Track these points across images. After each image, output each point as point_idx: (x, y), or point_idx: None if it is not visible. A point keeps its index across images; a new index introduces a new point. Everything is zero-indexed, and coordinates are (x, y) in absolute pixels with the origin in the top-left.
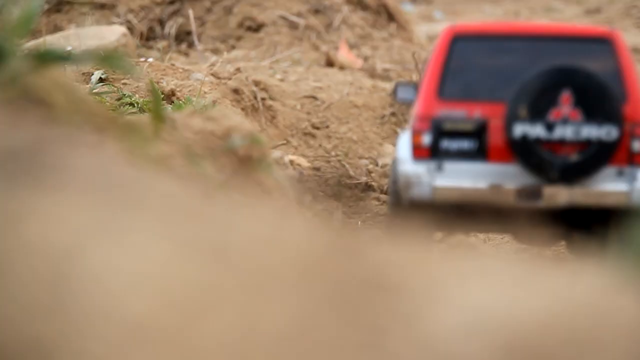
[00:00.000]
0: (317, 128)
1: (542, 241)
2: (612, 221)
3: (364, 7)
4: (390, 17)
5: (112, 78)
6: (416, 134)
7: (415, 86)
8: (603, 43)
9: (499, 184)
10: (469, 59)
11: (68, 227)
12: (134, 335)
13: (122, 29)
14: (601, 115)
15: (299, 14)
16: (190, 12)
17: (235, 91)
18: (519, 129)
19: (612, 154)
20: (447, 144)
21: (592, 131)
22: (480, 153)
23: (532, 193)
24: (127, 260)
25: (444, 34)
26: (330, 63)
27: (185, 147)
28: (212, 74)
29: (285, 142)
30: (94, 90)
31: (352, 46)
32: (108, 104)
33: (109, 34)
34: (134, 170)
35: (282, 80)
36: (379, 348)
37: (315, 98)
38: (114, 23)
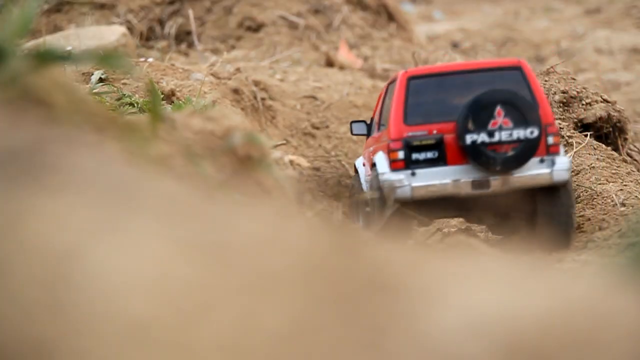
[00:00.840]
0: (317, 128)
1: (490, 221)
2: (541, 201)
3: (364, 7)
4: (390, 17)
5: (112, 78)
6: (392, 152)
7: (365, 123)
8: (516, 70)
9: (458, 179)
10: (422, 93)
11: (68, 227)
12: (134, 335)
13: (122, 29)
14: (525, 121)
15: (299, 14)
16: (190, 12)
17: (235, 91)
18: (469, 138)
19: (536, 147)
20: (416, 156)
21: (520, 133)
22: (441, 159)
23: (482, 183)
24: (127, 260)
25: (401, 78)
26: (330, 63)
27: (185, 147)
28: (212, 74)
29: (285, 142)
30: (94, 90)
31: (352, 46)
32: (108, 104)
33: (108, 34)
34: (134, 170)
35: (282, 80)
36: (379, 348)
37: (315, 98)
38: (114, 23)
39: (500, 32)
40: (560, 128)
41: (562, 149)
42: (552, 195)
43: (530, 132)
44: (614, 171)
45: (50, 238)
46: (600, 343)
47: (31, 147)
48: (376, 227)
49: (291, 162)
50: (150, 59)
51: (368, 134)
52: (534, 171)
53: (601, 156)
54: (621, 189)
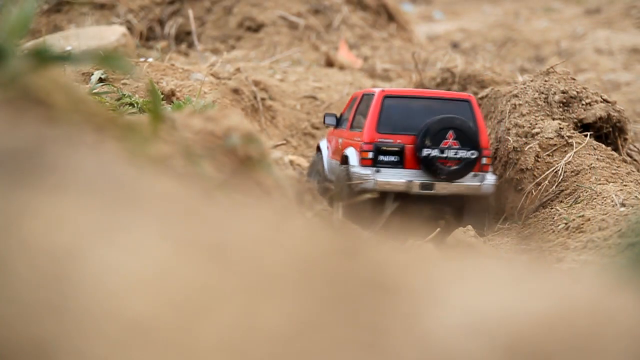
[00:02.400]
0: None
1: (429, 215)
2: (467, 203)
3: (364, 7)
4: (390, 17)
5: (112, 78)
6: (364, 152)
7: (335, 116)
8: (466, 102)
9: (411, 180)
10: (392, 109)
11: (68, 227)
12: (134, 335)
13: (122, 29)
14: (468, 144)
15: (299, 14)
16: (190, 12)
17: (235, 91)
18: (425, 151)
19: (474, 166)
20: (382, 158)
21: (464, 153)
22: (400, 163)
23: (428, 186)
24: (127, 260)
25: (378, 95)
26: (330, 63)
27: (185, 147)
28: (211, 74)
29: (285, 142)
30: (94, 90)
31: (352, 46)
32: (108, 104)
33: (108, 34)
34: (134, 170)
35: (282, 80)
36: (379, 348)
37: (315, 98)
38: (113, 23)
39: (500, 32)
40: (560, 128)
41: (491, 168)
42: (478, 202)
43: (471, 154)
44: (613, 171)
45: (50, 238)
46: (601, 343)
47: (31, 147)
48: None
49: (291, 162)
50: (150, 59)
51: (336, 126)
52: (468, 182)
53: (601, 156)
54: (621, 189)
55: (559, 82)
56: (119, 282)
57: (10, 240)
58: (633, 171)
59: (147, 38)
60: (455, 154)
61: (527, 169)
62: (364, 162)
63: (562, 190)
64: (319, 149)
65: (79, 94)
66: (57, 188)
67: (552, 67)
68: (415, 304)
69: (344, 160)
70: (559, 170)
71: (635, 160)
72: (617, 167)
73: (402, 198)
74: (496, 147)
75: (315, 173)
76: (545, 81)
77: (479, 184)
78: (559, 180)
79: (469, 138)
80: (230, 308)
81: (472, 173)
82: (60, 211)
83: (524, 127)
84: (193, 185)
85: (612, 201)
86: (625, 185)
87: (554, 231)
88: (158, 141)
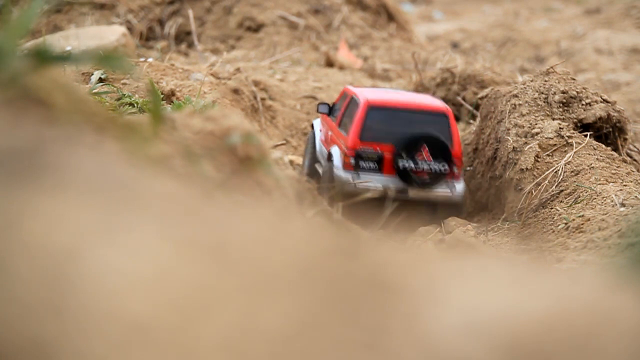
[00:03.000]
0: None
1: (408, 216)
2: (440, 207)
3: (364, 7)
4: (390, 17)
5: (112, 78)
6: (347, 157)
7: (328, 105)
8: (443, 114)
9: (388, 185)
10: (375, 119)
11: (68, 227)
12: (134, 335)
13: (122, 29)
14: (441, 159)
15: (298, 14)
16: (190, 12)
17: (235, 91)
18: (401, 163)
19: (445, 177)
20: (362, 163)
21: (436, 167)
22: (379, 169)
23: (403, 191)
24: (127, 260)
25: (363, 105)
26: (330, 63)
27: (185, 147)
28: (211, 74)
29: (285, 142)
30: (94, 90)
31: (352, 46)
32: (108, 104)
33: (108, 34)
34: (134, 170)
35: (282, 80)
36: (379, 348)
37: (315, 98)
38: (113, 23)
39: (500, 32)
40: (560, 128)
41: (462, 177)
42: (449, 207)
43: (443, 167)
44: (613, 171)
45: (50, 238)
46: (600, 343)
47: (31, 147)
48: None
49: (291, 162)
50: (150, 59)
51: (329, 114)
52: (440, 190)
53: (601, 156)
54: (621, 189)
55: (559, 82)
56: (119, 282)
57: (10, 240)
58: (633, 171)
59: (147, 38)
60: (428, 167)
61: (527, 169)
62: (346, 167)
63: (562, 190)
64: (312, 127)
65: (79, 94)
66: (57, 188)
67: (552, 67)
68: (415, 304)
69: (329, 157)
70: (558, 170)
71: (635, 160)
72: (617, 167)
73: (380, 201)
74: (496, 147)
75: (308, 152)
76: (545, 81)
77: (449, 191)
78: (559, 180)
79: (442, 153)
80: (230, 308)
81: (445, 181)
82: (60, 211)
83: (523, 127)
84: (193, 185)
85: (612, 201)
86: (625, 185)
87: (554, 231)
88: (158, 141)
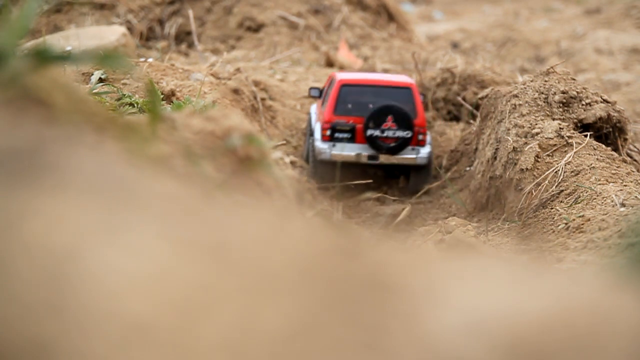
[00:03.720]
0: None
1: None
2: (409, 170)
3: (364, 7)
4: (390, 17)
5: (112, 78)
6: (324, 129)
7: (319, 89)
8: (408, 88)
9: (360, 152)
10: (347, 95)
11: (68, 227)
12: (134, 335)
13: (122, 29)
14: (405, 126)
15: (299, 14)
16: (190, 12)
17: (235, 91)
18: (369, 132)
19: (409, 143)
20: (337, 134)
21: (400, 133)
22: (352, 139)
23: (374, 157)
24: (127, 260)
25: (337, 83)
26: (330, 63)
27: (185, 147)
28: (212, 74)
29: (285, 142)
30: (94, 90)
31: (352, 46)
32: (108, 104)
33: (109, 34)
34: (134, 170)
35: (282, 80)
36: (379, 348)
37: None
38: (114, 23)
39: (500, 32)
40: (560, 128)
41: (428, 141)
42: (417, 170)
43: (406, 134)
44: (614, 171)
45: (50, 238)
46: (601, 342)
47: (31, 147)
48: (309, 175)
49: (292, 162)
50: (150, 59)
51: (319, 97)
52: (406, 155)
53: (601, 156)
54: (621, 189)
55: (559, 82)
56: (119, 282)
57: (10, 240)
58: (633, 171)
59: (147, 38)
60: (393, 134)
61: (527, 169)
62: (324, 139)
63: (562, 191)
64: (309, 114)
65: (79, 94)
66: (57, 188)
67: (552, 67)
68: (415, 304)
69: (312, 132)
70: (559, 170)
71: (635, 160)
72: (617, 167)
73: (354, 166)
74: (496, 147)
75: (308, 134)
76: (545, 81)
77: (415, 156)
78: (559, 180)
79: (404, 121)
80: (230, 308)
81: (410, 147)
82: (60, 211)
83: (524, 127)
84: (193, 186)
85: (612, 201)
86: (625, 185)
87: (554, 231)
88: (158, 141)
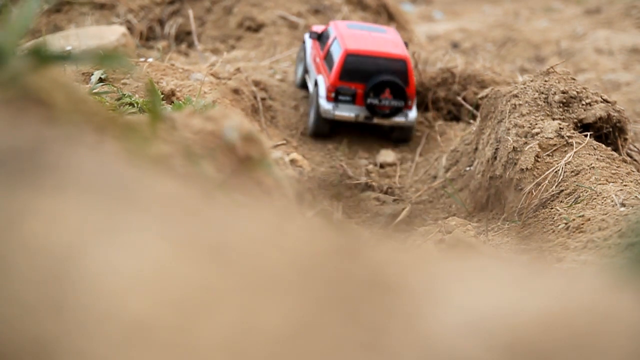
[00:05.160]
0: None
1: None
2: (399, 130)
3: (364, 7)
4: (390, 17)
5: (112, 78)
6: (329, 92)
7: (317, 33)
8: (403, 60)
9: (358, 114)
10: (351, 63)
11: (68, 227)
12: (134, 335)
13: (122, 29)
14: (398, 98)
15: (299, 14)
16: (190, 12)
17: (235, 91)
18: (369, 100)
19: (401, 110)
20: (340, 97)
21: (395, 103)
22: (353, 102)
23: (369, 118)
24: (127, 260)
25: (342, 52)
26: None
27: (185, 147)
28: (212, 74)
29: (285, 142)
30: (94, 90)
31: None
32: (108, 104)
33: (109, 34)
34: (134, 170)
35: (282, 80)
36: (379, 348)
37: None
38: (114, 23)
39: (500, 32)
40: (560, 128)
41: (414, 107)
42: (403, 128)
43: (398, 103)
44: (613, 171)
45: (50, 238)
46: (600, 342)
47: (31, 146)
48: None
49: (293, 161)
50: (150, 59)
51: (318, 39)
52: (397, 118)
53: (601, 156)
54: (621, 189)
55: (559, 82)
56: (119, 281)
57: (10, 240)
58: (633, 171)
59: (147, 38)
60: (389, 104)
61: (527, 169)
62: (328, 99)
63: (562, 190)
64: (304, 42)
65: (79, 93)
66: (57, 188)
67: (552, 67)
68: (415, 304)
69: (316, 83)
70: (559, 170)
71: (635, 160)
72: (617, 167)
73: (354, 125)
74: (496, 147)
75: (301, 62)
76: (545, 81)
77: (404, 119)
78: (559, 180)
79: (400, 94)
80: (230, 308)
81: (402, 112)
82: (61, 211)
83: (524, 127)
84: (193, 185)
85: (612, 201)
86: (625, 185)
87: (554, 231)
88: (158, 141)
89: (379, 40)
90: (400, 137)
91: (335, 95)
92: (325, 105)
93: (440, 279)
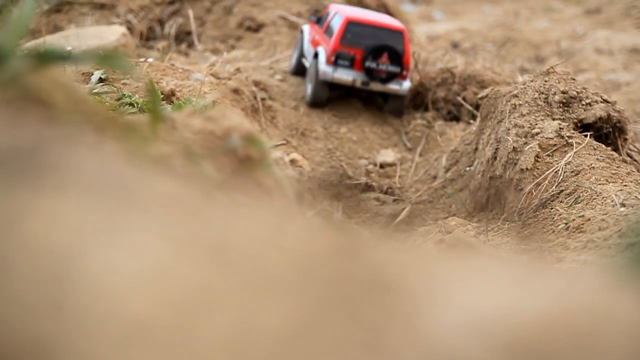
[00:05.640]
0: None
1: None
2: (393, 100)
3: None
4: (390, 17)
5: (112, 78)
6: (329, 56)
7: (317, 16)
8: (400, 32)
9: (356, 78)
10: (351, 30)
11: (68, 226)
12: (134, 335)
13: (122, 29)
14: (395, 63)
15: (299, 14)
16: (190, 12)
17: (235, 91)
18: (367, 64)
19: (397, 76)
20: (339, 61)
21: (391, 68)
22: (351, 67)
23: (366, 83)
24: (127, 260)
25: (343, 20)
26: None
27: (185, 147)
28: (212, 74)
29: (285, 142)
30: (94, 90)
31: None
32: (108, 104)
33: (109, 34)
34: (134, 170)
35: (282, 80)
36: (379, 348)
37: None
38: (114, 23)
39: (500, 32)
40: (560, 128)
41: (409, 77)
42: (397, 97)
43: (395, 69)
44: (613, 171)
45: (50, 238)
46: (600, 343)
47: (31, 146)
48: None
49: (294, 160)
50: (150, 59)
51: (317, 22)
52: (392, 85)
53: (601, 156)
54: (621, 189)
55: (559, 82)
56: (119, 281)
57: (10, 240)
58: (633, 171)
59: (147, 38)
60: (386, 68)
61: (527, 169)
62: (328, 62)
63: (562, 190)
64: (302, 31)
65: (79, 94)
66: (57, 188)
67: (552, 67)
68: (415, 304)
69: (316, 55)
70: (559, 170)
71: (635, 160)
72: (617, 167)
73: (349, 89)
74: (496, 147)
75: (296, 50)
76: (545, 81)
77: (398, 87)
78: (559, 180)
79: (396, 59)
80: (230, 308)
81: (396, 80)
82: (61, 211)
83: (524, 127)
84: (193, 185)
85: (612, 201)
86: (625, 185)
87: (554, 231)
88: (158, 141)
89: (377, 15)
90: (394, 108)
91: (335, 60)
92: (325, 68)
93: (440, 279)
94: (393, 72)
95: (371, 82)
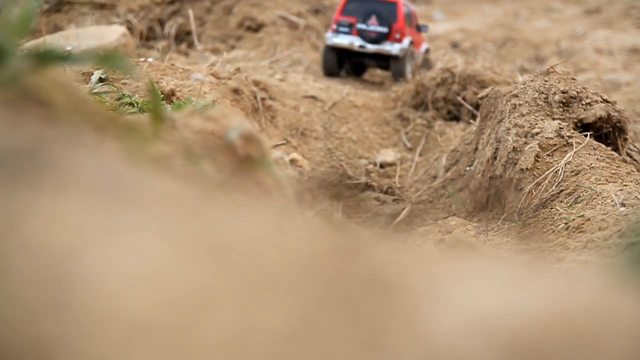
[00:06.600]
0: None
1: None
2: (393, 63)
3: None
4: None
5: (112, 78)
6: (332, 24)
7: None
8: (394, 3)
9: (353, 42)
10: (350, 3)
11: (68, 227)
12: (134, 335)
13: (122, 29)
14: (382, 24)
15: (299, 14)
16: (190, 12)
17: (235, 91)
18: (359, 26)
19: (386, 37)
20: (340, 28)
21: (379, 28)
22: (349, 33)
23: (363, 46)
24: (127, 260)
25: None
26: None
27: (185, 147)
28: (212, 74)
29: (285, 142)
30: (94, 90)
31: None
32: (108, 104)
33: (109, 34)
34: (134, 170)
35: (282, 80)
36: (379, 348)
37: (315, 98)
38: (114, 23)
39: (500, 32)
40: (560, 128)
41: (406, 40)
42: (395, 59)
43: (383, 29)
44: (613, 171)
45: (50, 237)
46: (600, 343)
47: (31, 146)
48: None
49: (294, 160)
50: (150, 59)
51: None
52: (386, 47)
53: (601, 156)
54: (621, 189)
55: (559, 82)
56: (119, 281)
57: (10, 240)
58: (633, 171)
59: (147, 38)
60: (375, 28)
61: (527, 169)
62: (332, 30)
63: (562, 190)
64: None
65: (79, 94)
66: (57, 188)
67: (552, 67)
68: (416, 304)
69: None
70: (559, 170)
71: (635, 160)
72: (617, 167)
73: (350, 54)
74: (496, 147)
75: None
76: (545, 81)
77: (390, 48)
78: (559, 180)
79: (384, 20)
80: (230, 308)
81: (389, 42)
82: (61, 211)
83: (524, 127)
84: (193, 185)
85: (612, 201)
86: (625, 185)
87: (554, 231)
88: (158, 141)
89: None
90: (395, 71)
91: (337, 27)
92: (329, 34)
93: (440, 279)
94: (381, 32)
95: (367, 45)
